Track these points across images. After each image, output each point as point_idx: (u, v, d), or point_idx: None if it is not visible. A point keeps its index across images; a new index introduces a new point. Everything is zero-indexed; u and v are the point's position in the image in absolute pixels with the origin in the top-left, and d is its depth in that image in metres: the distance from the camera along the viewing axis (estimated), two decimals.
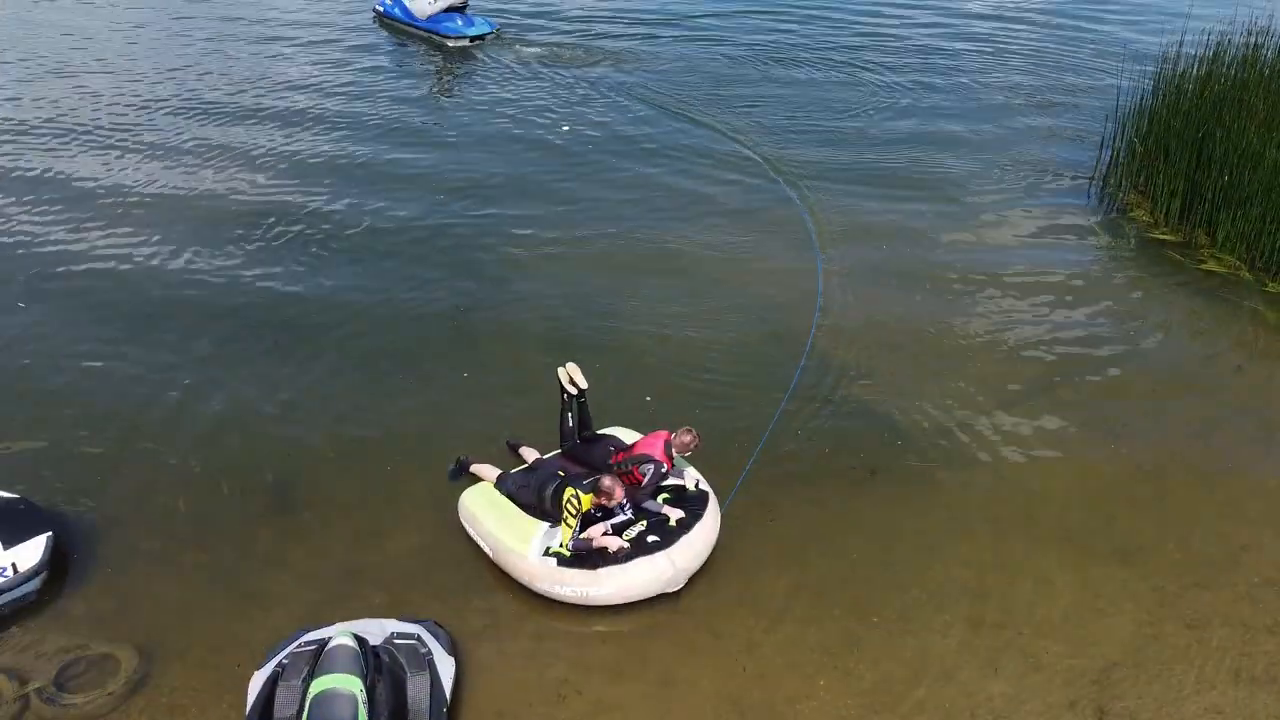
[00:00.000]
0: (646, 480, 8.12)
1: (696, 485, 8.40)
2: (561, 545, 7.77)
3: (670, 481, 8.36)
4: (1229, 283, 12.05)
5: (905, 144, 15.68)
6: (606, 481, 7.85)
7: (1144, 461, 9.34)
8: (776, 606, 7.81)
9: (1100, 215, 13.83)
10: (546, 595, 7.78)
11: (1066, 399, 10.15)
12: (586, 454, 8.69)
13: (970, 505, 8.80)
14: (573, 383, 8.63)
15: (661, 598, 7.77)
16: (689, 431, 8.28)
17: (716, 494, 8.43)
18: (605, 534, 7.87)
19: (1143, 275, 12.38)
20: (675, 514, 8.05)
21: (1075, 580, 8.07)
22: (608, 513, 8.02)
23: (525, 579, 7.85)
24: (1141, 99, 14.31)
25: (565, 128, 16.11)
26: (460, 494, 8.52)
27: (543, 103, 17.11)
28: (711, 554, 8.06)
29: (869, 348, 10.78)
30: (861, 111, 16.93)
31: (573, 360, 8.74)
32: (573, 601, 7.71)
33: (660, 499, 8.24)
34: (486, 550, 8.12)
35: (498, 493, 8.39)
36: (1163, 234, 13.13)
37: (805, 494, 8.86)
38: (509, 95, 17.51)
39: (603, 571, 7.65)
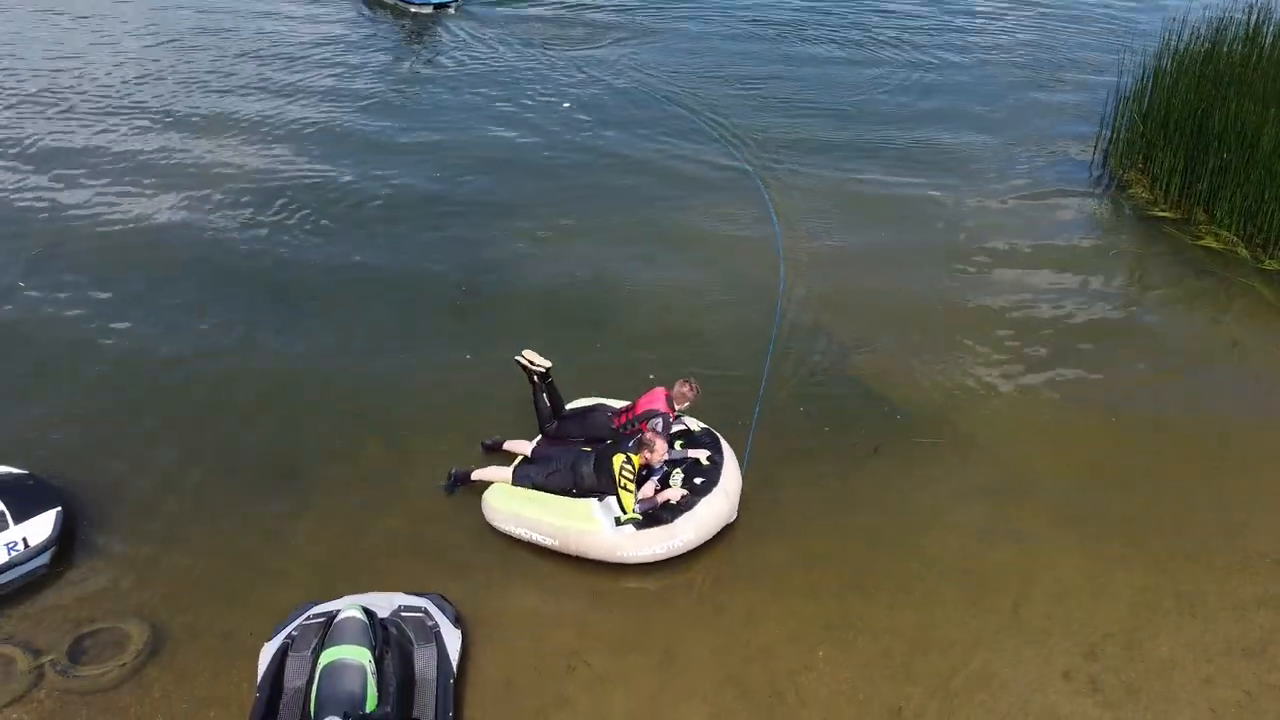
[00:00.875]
0: (659, 433, 8.26)
1: (700, 428, 8.65)
2: (628, 511, 7.86)
3: (676, 428, 8.59)
4: (1226, 259, 12.11)
5: (903, 121, 15.65)
6: (648, 435, 8.02)
7: (1141, 437, 9.43)
8: (777, 580, 7.93)
9: (1099, 193, 13.86)
10: (632, 561, 7.84)
11: (1064, 374, 10.24)
12: (584, 426, 8.78)
13: (969, 480, 8.90)
14: (534, 364, 8.69)
15: (664, 566, 7.90)
16: (687, 383, 8.45)
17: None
18: (656, 490, 8.06)
19: (1141, 252, 12.44)
20: (702, 453, 8.31)
21: (1071, 553, 8.18)
22: (650, 470, 8.18)
23: (604, 554, 7.87)
24: (1142, 77, 14.28)
25: (566, 105, 16.08)
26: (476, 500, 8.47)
27: (534, 83, 16.98)
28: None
29: (870, 326, 10.84)
30: (859, 88, 16.88)
31: (536, 346, 8.81)
32: (660, 559, 7.85)
33: (678, 445, 8.46)
34: (544, 541, 8.00)
35: (520, 488, 8.28)
36: (1161, 211, 13.17)
37: (807, 470, 8.96)
38: (497, 74, 17.39)
39: (678, 522, 7.85)
